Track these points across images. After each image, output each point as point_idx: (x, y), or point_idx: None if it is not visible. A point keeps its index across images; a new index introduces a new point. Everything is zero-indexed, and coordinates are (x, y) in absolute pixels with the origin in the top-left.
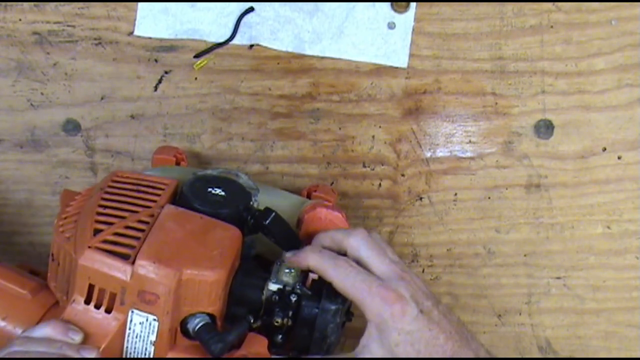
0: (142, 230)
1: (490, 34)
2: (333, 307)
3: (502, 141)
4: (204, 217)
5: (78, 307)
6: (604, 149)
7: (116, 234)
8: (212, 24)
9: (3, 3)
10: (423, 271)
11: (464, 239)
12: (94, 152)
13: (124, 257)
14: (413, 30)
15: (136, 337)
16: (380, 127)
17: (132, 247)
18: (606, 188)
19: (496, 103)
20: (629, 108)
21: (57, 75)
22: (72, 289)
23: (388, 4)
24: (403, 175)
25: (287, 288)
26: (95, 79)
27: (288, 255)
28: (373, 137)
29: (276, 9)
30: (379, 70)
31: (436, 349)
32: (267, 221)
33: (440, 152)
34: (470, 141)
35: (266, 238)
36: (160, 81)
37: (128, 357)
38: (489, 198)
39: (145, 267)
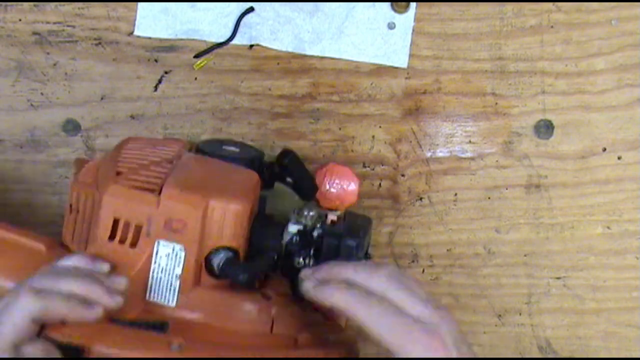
0: (164, 170)
1: (490, 34)
2: (355, 242)
3: (502, 141)
4: (223, 162)
5: (101, 244)
6: (604, 149)
7: (140, 173)
8: (212, 24)
9: (3, 3)
10: (423, 271)
11: (464, 239)
12: (94, 152)
13: (149, 190)
14: (413, 30)
15: (161, 271)
16: (380, 127)
17: (156, 182)
18: (606, 188)
19: (496, 103)
20: (629, 108)
21: (57, 75)
22: (95, 230)
23: (388, 4)
24: (403, 175)
25: (308, 228)
26: (95, 79)
27: (307, 285)
28: (373, 137)
29: (276, 9)
30: (379, 70)
31: None
32: (287, 160)
33: (440, 152)
34: (470, 141)
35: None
36: (160, 81)
37: (152, 293)
38: (489, 198)
39: (172, 196)
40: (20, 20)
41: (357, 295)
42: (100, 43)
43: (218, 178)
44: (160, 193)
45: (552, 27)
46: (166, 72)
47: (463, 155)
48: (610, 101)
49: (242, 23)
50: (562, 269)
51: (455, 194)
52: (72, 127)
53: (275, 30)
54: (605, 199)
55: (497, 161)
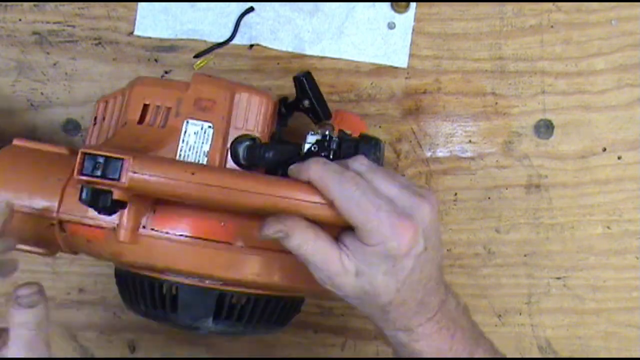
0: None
1: (490, 34)
2: (372, 139)
3: (502, 141)
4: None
5: (130, 127)
6: (604, 149)
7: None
8: (212, 24)
9: (3, 3)
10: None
11: (464, 239)
12: None
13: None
14: (413, 30)
15: (189, 149)
16: (380, 127)
17: (182, 81)
18: (606, 188)
19: (496, 103)
20: (629, 108)
21: (57, 75)
22: (124, 117)
23: (388, 4)
24: (403, 175)
25: (326, 137)
26: (95, 79)
27: (291, 167)
28: None
29: (276, 9)
30: (379, 70)
31: (412, 287)
32: (304, 77)
33: (440, 152)
34: (470, 141)
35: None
36: None
37: None
38: (489, 198)
39: (202, 80)
40: (20, 20)
41: (332, 170)
42: (100, 43)
43: (242, 82)
44: (189, 82)
45: (552, 27)
46: (166, 72)
47: (463, 155)
48: (610, 101)
49: (242, 23)
50: (562, 269)
51: (455, 194)
52: (72, 127)
53: (275, 30)
54: (605, 199)
55: (497, 161)
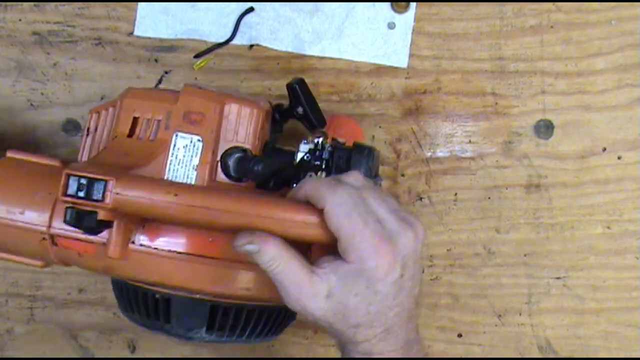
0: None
1: (490, 34)
2: (365, 149)
3: (502, 141)
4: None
5: (120, 141)
6: (604, 149)
7: (156, 89)
8: (212, 24)
9: (3, 3)
10: (423, 271)
11: (464, 239)
12: None
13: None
14: (413, 30)
15: (179, 163)
16: (380, 127)
17: (174, 91)
18: (606, 188)
19: (496, 103)
20: (629, 108)
21: (57, 75)
22: (114, 131)
23: (388, 4)
24: (403, 175)
25: (319, 146)
26: (95, 79)
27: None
28: (373, 137)
29: (276, 9)
30: (379, 70)
31: (381, 312)
32: (297, 84)
33: (440, 152)
34: (470, 141)
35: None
36: (160, 81)
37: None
38: (489, 198)
39: (192, 93)
40: (20, 20)
41: (326, 181)
42: (100, 43)
43: (233, 93)
44: (179, 92)
45: (552, 27)
46: (166, 72)
47: (463, 155)
48: (610, 101)
49: (242, 23)
50: (562, 269)
51: (455, 194)
52: (72, 127)
53: (275, 30)
54: (605, 199)
55: (497, 161)
